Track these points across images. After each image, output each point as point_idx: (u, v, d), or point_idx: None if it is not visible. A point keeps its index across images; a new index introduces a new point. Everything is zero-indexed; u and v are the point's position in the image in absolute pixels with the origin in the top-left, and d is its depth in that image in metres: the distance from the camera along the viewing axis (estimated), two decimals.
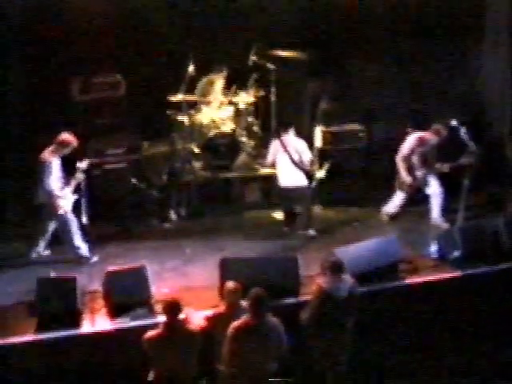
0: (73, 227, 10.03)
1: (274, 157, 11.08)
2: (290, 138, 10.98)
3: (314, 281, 8.49)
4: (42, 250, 10.33)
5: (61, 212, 9.90)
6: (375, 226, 11.34)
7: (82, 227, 9.97)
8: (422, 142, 11.04)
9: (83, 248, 10.13)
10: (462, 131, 10.51)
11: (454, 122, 10.62)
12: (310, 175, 10.84)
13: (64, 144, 9.97)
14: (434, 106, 12.60)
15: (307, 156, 10.93)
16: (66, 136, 10.02)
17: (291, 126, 11.01)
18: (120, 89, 12.62)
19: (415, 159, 11.04)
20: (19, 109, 12.21)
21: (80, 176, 9.89)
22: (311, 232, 11.01)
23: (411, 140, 11.08)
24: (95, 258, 10.16)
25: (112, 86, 12.63)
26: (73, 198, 9.99)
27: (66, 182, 9.99)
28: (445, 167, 10.99)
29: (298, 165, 10.81)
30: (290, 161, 10.83)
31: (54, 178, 9.89)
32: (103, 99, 12.56)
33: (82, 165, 9.95)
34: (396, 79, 13.09)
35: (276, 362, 7.74)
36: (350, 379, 8.52)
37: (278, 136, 11.04)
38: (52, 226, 10.18)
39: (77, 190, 9.93)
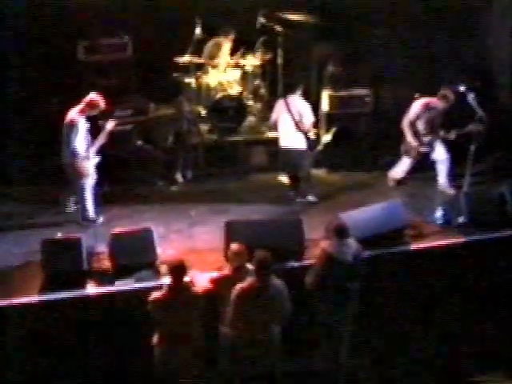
0: (89, 190, 10.05)
1: (276, 116, 11.00)
2: (295, 99, 10.89)
3: (318, 244, 8.50)
4: (72, 208, 10.30)
5: (85, 173, 9.87)
6: (381, 190, 11.30)
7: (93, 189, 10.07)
8: (428, 107, 10.96)
9: (91, 211, 10.14)
10: (471, 97, 10.43)
11: (462, 88, 10.53)
12: (309, 139, 10.76)
13: (92, 105, 9.89)
14: (443, 72, 12.47)
15: (309, 119, 10.83)
16: (94, 97, 9.94)
17: (299, 87, 10.92)
18: (127, 50, 12.52)
19: (421, 124, 10.98)
20: (25, 71, 12.12)
21: (104, 137, 9.89)
22: (310, 198, 10.95)
23: (417, 105, 11.00)
24: (101, 220, 10.18)
25: (119, 47, 12.53)
26: (96, 159, 10.00)
27: (91, 144, 9.96)
28: (451, 134, 10.93)
29: (299, 126, 10.73)
30: (291, 122, 10.77)
31: (80, 139, 9.82)
32: (110, 61, 12.47)
33: (108, 125, 9.94)
34: (404, 44, 12.96)
35: (279, 324, 7.78)
36: (354, 343, 8.58)
37: (284, 96, 10.94)
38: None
39: (99, 152, 9.99)
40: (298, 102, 10.86)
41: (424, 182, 11.48)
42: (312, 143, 10.78)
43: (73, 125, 9.76)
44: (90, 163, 9.91)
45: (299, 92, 10.94)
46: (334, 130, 10.55)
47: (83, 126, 9.86)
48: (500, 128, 11.72)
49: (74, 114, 9.84)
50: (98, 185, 10.09)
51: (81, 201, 10.12)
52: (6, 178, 11.32)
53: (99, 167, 10.08)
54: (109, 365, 8.59)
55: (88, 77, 12.38)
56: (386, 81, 12.84)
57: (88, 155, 9.88)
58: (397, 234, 9.73)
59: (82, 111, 9.86)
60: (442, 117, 11.07)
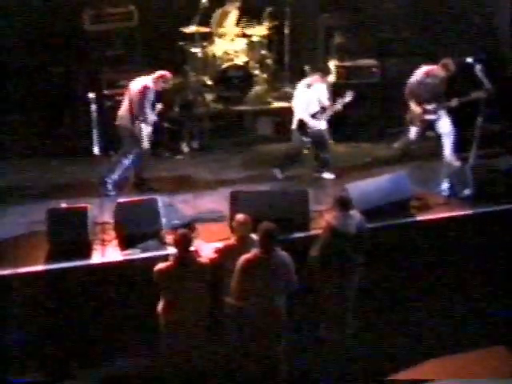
0: (133, 158, 10.20)
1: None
2: (316, 82, 10.64)
3: (323, 216, 8.49)
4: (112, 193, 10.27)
5: (143, 139, 10.05)
6: (387, 162, 11.27)
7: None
8: (429, 74, 10.93)
9: (113, 183, 10.21)
10: (478, 68, 10.36)
11: (469, 59, 10.45)
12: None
13: (163, 78, 10.14)
14: (450, 42, 12.38)
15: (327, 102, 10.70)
16: (165, 72, 10.18)
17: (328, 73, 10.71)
18: (133, 19, 12.43)
19: (424, 92, 10.93)
20: (30, 41, 12.05)
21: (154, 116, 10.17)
22: (326, 175, 10.81)
23: (419, 72, 10.98)
24: (113, 193, 10.18)
25: (125, 16, 12.43)
26: (149, 130, 10.12)
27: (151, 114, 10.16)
28: (453, 102, 10.88)
29: (324, 110, 10.61)
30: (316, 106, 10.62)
31: (148, 107, 10.03)
32: (116, 30, 12.39)
33: (158, 106, 10.16)
34: (411, 13, 12.87)
35: (284, 296, 7.78)
36: (359, 314, 8.62)
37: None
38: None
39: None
40: (322, 88, 10.67)
41: (430, 154, 11.42)
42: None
43: (147, 89, 10.02)
44: (148, 129, 10.13)
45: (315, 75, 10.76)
46: (348, 98, 10.39)
47: (152, 94, 10.09)
48: (507, 99, 11.66)
49: (148, 81, 10.07)
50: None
51: (114, 169, 10.18)
52: (7, 150, 11.32)
53: None
54: (113, 334, 8.61)
55: (93, 46, 12.30)
56: (394, 51, 12.75)
57: (150, 123, 10.14)
58: (403, 205, 9.72)
59: (155, 81, 10.09)
60: (445, 86, 11.01)
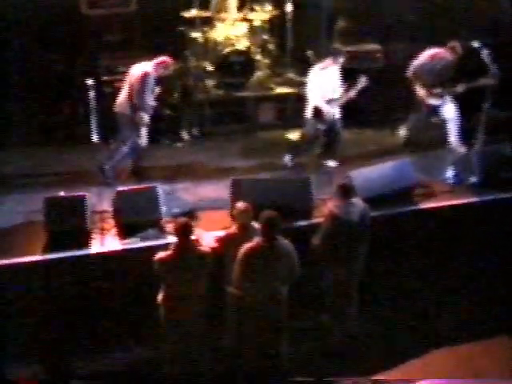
0: (130, 146, 10.05)
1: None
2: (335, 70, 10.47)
3: (326, 204, 8.39)
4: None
5: (142, 124, 9.92)
6: (391, 149, 11.14)
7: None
8: (435, 58, 10.78)
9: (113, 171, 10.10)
10: (485, 53, 10.20)
11: (476, 44, 10.30)
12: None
13: (164, 64, 9.99)
14: (457, 27, 12.21)
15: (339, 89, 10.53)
16: (166, 58, 10.04)
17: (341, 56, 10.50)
18: (131, 4, 12.28)
19: (430, 76, 10.78)
20: (26, 27, 11.89)
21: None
22: (331, 163, 10.66)
23: (424, 55, 10.84)
24: (112, 180, 10.02)
25: (122, 1, 12.29)
26: (148, 117, 9.98)
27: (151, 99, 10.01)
28: (459, 87, 10.71)
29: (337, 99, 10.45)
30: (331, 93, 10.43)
31: (148, 93, 9.89)
32: (114, 15, 12.24)
33: (156, 90, 10.03)
34: None
35: (287, 284, 7.67)
36: (361, 303, 8.53)
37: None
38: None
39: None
40: (330, 70, 10.44)
41: (435, 141, 11.28)
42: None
43: (147, 76, 9.86)
44: (147, 117, 9.96)
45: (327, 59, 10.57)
46: (360, 85, 10.22)
47: (152, 81, 9.94)
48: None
49: (148, 67, 9.92)
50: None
51: (113, 156, 10.03)
52: (5, 138, 11.16)
53: None
54: (112, 324, 8.49)
55: (91, 32, 12.15)
56: (398, 36, 12.60)
57: (149, 109, 9.99)
58: (407, 192, 9.61)
59: (155, 68, 9.94)
60: (452, 70, 10.85)
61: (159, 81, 10.11)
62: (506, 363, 8.20)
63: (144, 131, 10.06)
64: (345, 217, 7.97)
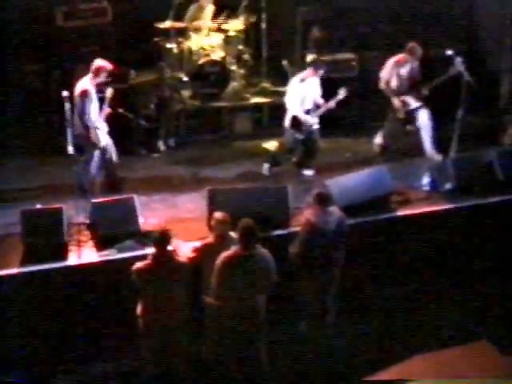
0: (97, 162, 9.88)
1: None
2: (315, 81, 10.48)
3: (303, 212, 8.40)
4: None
5: (99, 141, 9.73)
6: (367, 156, 11.18)
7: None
8: (399, 63, 10.89)
9: (87, 183, 9.91)
10: (458, 61, 10.26)
11: (449, 52, 10.36)
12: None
13: (100, 71, 9.73)
14: (429, 35, 12.30)
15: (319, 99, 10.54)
16: (101, 62, 9.77)
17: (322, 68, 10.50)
18: (106, 16, 12.28)
19: (399, 83, 10.88)
20: (3, 38, 11.85)
21: (107, 107, 9.79)
22: (307, 172, 10.70)
23: (388, 64, 10.94)
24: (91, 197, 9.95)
25: (98, 12, 12.29)
26: (106, 128, 9.86)
27: (100, 113, 9.81)
28: (424, 90, 10.82)
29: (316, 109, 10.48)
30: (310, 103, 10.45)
31: (93, 109, 9.68)
32: (89, 26, 12.22)
33: (108, 93, 9.76)
34: (389, 6, 12.78)
35: (264, 293, 7.65)
36: (338, 312, 8.54)
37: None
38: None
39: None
40: (310, 81, 10.46)
41: (411, 148, 11.33)
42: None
43: (86, 95, 9.59)
44: (103, 132, 9.81)
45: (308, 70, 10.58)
46: (340, 97, 10.26)
47: (94, 95, 9.72)
48: (487, 92, 11.60)
49: (85, 84, 9.68)
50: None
51: (87, 172, 9.83)
52: None
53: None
54: (92, 337, 8.44)
55: (67, 43, 12.12)
56: (372, 45, 12.66)
57: (100, 124, 9.78)
58: (383, 200, 9.62)
59: (92, 80, 9.72)
60: (419, 72, 10.96)
61: (109, 84, 9.89)
62: (486, 367, 8.24)
63: (110, 144, 9.92)
64: (322, 225, 7.98)
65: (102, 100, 9.79)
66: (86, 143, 9.72)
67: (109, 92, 9.78)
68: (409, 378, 7.93)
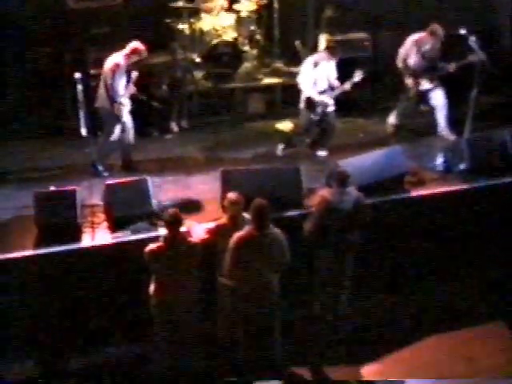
0: (115, 137, 9.99)
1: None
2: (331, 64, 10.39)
3: (317, 191, 8.38)
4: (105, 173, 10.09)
5: (122, 118, 9.89)
6: (380, 137, 11.12)
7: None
8: (419, 43, 10.81)
9: (104, 163, 10.07)
10: (472, 40, 10.18)
11: (462, 31, 10.28)
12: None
13: (136, 52, 9.87)
14: (443, 14, 12.19)
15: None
16: (138, 44, 9.90)
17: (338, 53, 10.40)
18: None
19: (418, 62, 10.79)
20: (13, 22, 11.80)
21: (133, 87, 9.98)
22: (320, 152, 10.64)
23: (408, 42, 10.86)
24: (106, 173, 10.00)
25: None
26: (129, 107, 9.96)
27: (126, 90, 9.95)
28: (451, 66, 10.71)
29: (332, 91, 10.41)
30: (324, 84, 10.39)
31: (121, 84, 9.85)
32: (101, 8, 12.15)
33: (133, 75, 9.94)
34: None
35: (278, 273, 7.66)
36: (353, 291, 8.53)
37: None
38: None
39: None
40: (324, 64, 10.37)
41: (424, 128, 11.27)
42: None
43: (118, 68, 9.79)
44: (125, 108, 9.93)
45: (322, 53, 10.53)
46: (355, 79, 10.19)
47: (124, 71, 9.88)
48: (501, 71, 11.51)
49: (118, 58, 9.83)
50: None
51: (103, 147, 10.00)
52: None
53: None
54: (106, 317, 8.47)
55: (78, 25, 12.07)
56: (385, 24, 12.57)
57: (125, 100, 9.92)
58: (397, 181, 9.58)
59: (126, 57, 9.84)
60: (438, 53, 10.86)
61: (147, 72, 10.01)
62: (500, 349, 8.21)
63: (130, 124, 10.02)
64: (337, 205, 7.97)
65: (128, 81, 9.95)
66: (108, 116, 9.89)
67: (134, 74, 9.96)
68: (419, 359, 7.94)
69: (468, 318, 8.72)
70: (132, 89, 10.00)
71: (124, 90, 9.90)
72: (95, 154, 9.90)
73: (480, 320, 8.54)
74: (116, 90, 9.79)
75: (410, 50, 10.81)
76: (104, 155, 10.06)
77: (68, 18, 12.10)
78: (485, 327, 8.51)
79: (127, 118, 10.01)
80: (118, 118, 9.90)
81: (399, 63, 10.88)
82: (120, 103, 9.85)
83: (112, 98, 9.80)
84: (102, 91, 9.87)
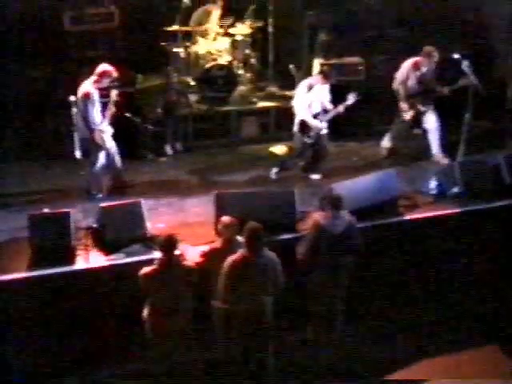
0: (102, 164, 9.95)
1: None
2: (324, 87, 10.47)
3: (310, 216, 8.40)
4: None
5: (104, 144, 9.80)
6: (374, 160, 11.17)
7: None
8: (415, 66, 10.87)
9: (96, 186, 10.03)
10: (465, 64, 10.26)
11: (456, 55, 10.36)
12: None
13: (104, 75, 9.76)
14: (437, 39, 12.28)
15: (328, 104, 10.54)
16: (106, 67, 9.80)
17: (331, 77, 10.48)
18: (114, 20, 12.29)
19: (413, 85, 10.85)
20: (10, 43, 11.84)
21: (113, 107, 9.84)
22: (314, 176, 10.67)
23: (405, 65, 10.93)
24: (100, 195, 9.99)
25: (105, 17, 12.29)
26: (111, 130, 9.90)
27: (103, 115, 9.85)
28: (445, 89, 10.78)
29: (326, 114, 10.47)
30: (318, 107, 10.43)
31: (96, 111, 9.73)
32: (97, 31, 12.24)
33: (113, 95, 9.84)
34: (397, 10, 12.77)
35: (271, 297, 7.66)
36: (346, 315, 8.52)
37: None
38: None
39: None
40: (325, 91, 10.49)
41: (417, 152, 11.31)
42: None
43: (88, 97, 9.63)
44: (107, 134, 9.85)
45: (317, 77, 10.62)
46: (349, 102, 10.26)
47: (97, 97, 9.75)
48: (494, 96, 11.58)
49: (87, 86, 9.70)
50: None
51: (92, 174, 9.93)
52: None
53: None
54: (99, 340, 8.43)
55: (74, 47, 12.13)
56: (379, 49, 12.65)
57: (104, 126, 9.82)
58: (391, 204, 9.61)
59: (95, 83, 9.73)
60: (434, 75, 10.96)
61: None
62: (494, 373, 8.22)
63: (114, 148, 9.96)
64: (330, 228, 7.99)
65: (106, 104, 9.82)
66: (90, 145, 9.75)
67: (114, 94, 9.84)
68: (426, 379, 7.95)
69: (465, 340, 8.78)
70: (112, 109, 9.86)
71: (101, 117, 9.79)
72: (87, 181, 9.88)
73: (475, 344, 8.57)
74: (91, 118, 9.66)
75: (407, 73, 10.87)
76: (95, 182, 9.99)
77: (64, 41, 12.16)
78: (479, 350, 8.55)
79: (110, 144, 9.93)
80: (100, 146, 9.82)
81: (396, 86, 10.94)
82: (100, 130, 9.75)
83: (90, 128, 9.68)
84: (79, 121, 9.61)
